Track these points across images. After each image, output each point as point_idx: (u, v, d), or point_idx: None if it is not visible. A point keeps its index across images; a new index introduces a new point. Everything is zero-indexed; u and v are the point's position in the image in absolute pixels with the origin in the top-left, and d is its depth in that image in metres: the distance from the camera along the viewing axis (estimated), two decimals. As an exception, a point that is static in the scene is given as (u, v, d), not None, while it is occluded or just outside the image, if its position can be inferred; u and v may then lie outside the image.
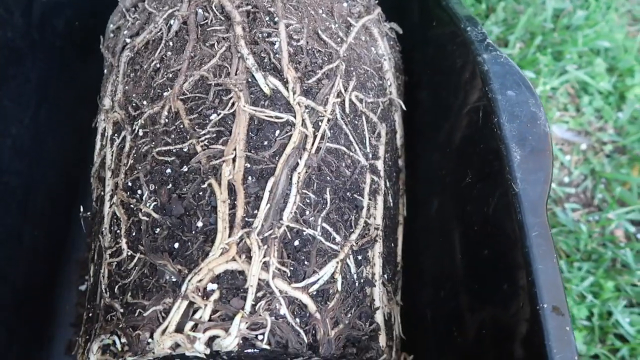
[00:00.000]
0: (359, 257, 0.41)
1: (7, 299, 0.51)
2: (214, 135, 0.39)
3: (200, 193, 0.38)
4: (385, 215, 0.45)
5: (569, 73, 0.83)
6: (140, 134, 0.42)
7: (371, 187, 0.44)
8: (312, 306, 0.36)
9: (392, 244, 0.47)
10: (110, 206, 0.42)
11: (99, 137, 0.47)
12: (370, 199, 0.43)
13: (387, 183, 0.47)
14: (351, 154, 0.43)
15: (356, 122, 0.44)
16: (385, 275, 0.44)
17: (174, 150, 0.40)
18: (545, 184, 0.35)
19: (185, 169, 0.39)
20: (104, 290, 0.39)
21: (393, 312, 0.45)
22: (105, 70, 0.51)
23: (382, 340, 0.41)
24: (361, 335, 0.39)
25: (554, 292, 0.31)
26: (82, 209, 0.46)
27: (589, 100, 0.82)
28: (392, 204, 0.47)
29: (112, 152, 0.44)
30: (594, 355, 0.63)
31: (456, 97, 0.50)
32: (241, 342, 0.34)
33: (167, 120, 0.41)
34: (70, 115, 0.62)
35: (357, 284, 0.40)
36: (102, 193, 0.44)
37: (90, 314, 0.41)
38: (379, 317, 0.41)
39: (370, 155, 0.45)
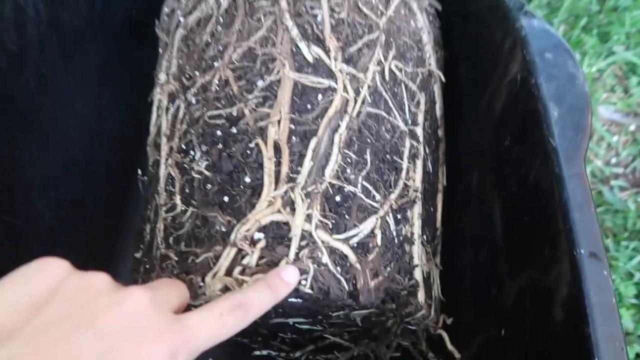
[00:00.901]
0: (398, 216, 0.43)
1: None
2: (261, 99, 0.42)
3: (248, 152, 0.41)
4: (424, 180, 0.47)
5: (616, 54, 0.81)
6: (193, 101, 0.45)
7: (410, 151, 0.45)
8: (352, 257, 0.38)
9: (432, 209, 0.49)
10: (166, 167, 0.45)
11: (154, 109, 0.51)
12: (409, 163, 0.45)
13: (427, 149, 0.48)
14: (391, 119, 0.44)
15: (396, 90, 0.46)
16: (424, 236, 0.46)
17: (223, 114, 0.43)
18: (583, 140, 0.35)
19: (234, 130, 0.42)
20: (159, 243, 0.43)
21: (432, 273, 0.46)
22: (160, 50, 0.55)
23: (421, 296, 0.43)
24: (400, 289, 0.41)
25: (590, 239, 0.32)
26: (139, 172, 0.50)
27: (638, 82, 0.80)
28: (431, 170, 0.48)
29: (168, 119, 0.47)
30: (642, 334, 0.62)
31: (496, 68, 0.51)
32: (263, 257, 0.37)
33: (217, 87, 0.44)
34: (127, 96, 0.66)
35: (396, 241, 0.42)
36: (158, 157, 0.47)
37: (147, 266, 0.45)
38: (417, 274, 0.43)
39: (410, 122, 0.46)
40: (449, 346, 0.48)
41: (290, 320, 0.49)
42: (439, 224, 0.50)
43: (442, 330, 0.48)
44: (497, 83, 0.50)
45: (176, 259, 0.40)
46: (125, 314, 0.25)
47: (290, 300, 0.39)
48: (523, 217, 0.43)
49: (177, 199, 0.43)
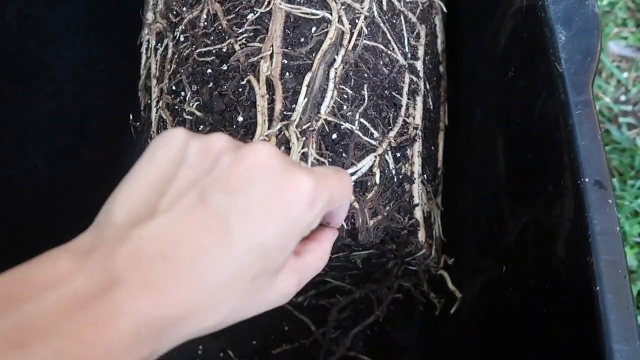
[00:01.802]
0: (398, 154, 0.41)
1: (70, 209, 0.55)
2: (252, 33, 0.40)
3: (240, 89, 0.39)
4: (425, 117, 0.45)
5: (629, -15, 0.77)
6: (182, 39, 0.43)
7: (410, 87, 0.43)
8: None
9: (432, 147, 0.47)
10: (157, 111, 0.44)
11: (143, 50, 0.49)
12: (409, 99, 0.43)
13: (427, 85, 0.46)
14: (389, 52, 0.42)
15: (394, 21, 0.43)
16: (425, 175, 0.44)
17: (213, 51, 0.41)
18: (592, 63, 0.33)
19: (224, 67, 0.40)
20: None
21: (433, 213, 0.45)
22: (147, -12, 0.52)
23: (422, 235, 0.42)
24: (400, 228, 0.40)
25: (596, 167, 0.30)
26: (131, 117, 0.48)
27: (652, 13, 0.76)
28: (432, 107, 0.47)
29: (157, 60, 0.45)
30: (646, 272, 0.62)
31: (502, 1, 0.48)
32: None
33: (206, 23, 0.42)
34: (118, 43, 0.64)
35: (395, 179, 0.40)
36: (149, 101, 0.46)
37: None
38: (418, 213, 0.42)
39: (409, 55, 0.44)
40: (451, 286, 0.47)
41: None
42: (440, 163, 0.49)
43: (444, 270, 0.48)
44: (502, 15, 0.47)
45: (171, 202, 0.39)
46: (251, 168, 0.24)
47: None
48: (527, 152, 0.42)
49: (169, 142, 0.41)
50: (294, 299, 0.58)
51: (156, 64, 0.45)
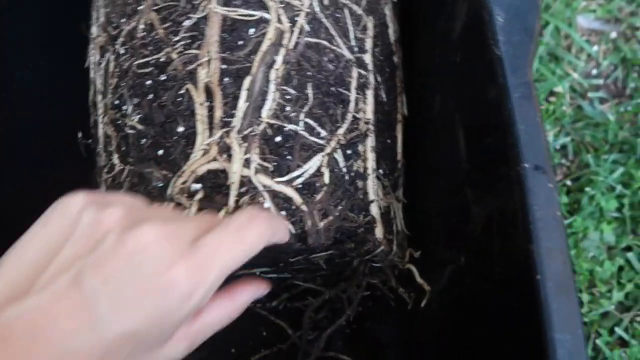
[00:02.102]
0: (348, 151, 0.40)
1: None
2: (189, 40, 0.39)
3: (179, 99, 0.38)
4: (378, 110, 0.44)
5: (595, -44, 0.76)
6: (122, 51, 0.42)
7: (359, 81, 0.42)
8: (297, 199, 0.36)
9: (389, 140, 0.46)
10: (103, 127, 0.43)
11: (91, 66, 0.48)
12: (358, 93, 0.42)
13: (378, 78, 0.45)
14: (333, 47, 0.41)
15: (338, 15, 0.42)
16: (381, 170, 0.43)
17: (152, 61, 0.40)
18: (529, 44, 0.32)
19: (163, 77, 0.39)
20: (104, 205, 0.41)
21: (393, 207, 0.45)
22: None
23: (379, 232, 0.41)
24: (355, 227, 0.39)
25: (535, 151, 0.29)
26: (80, 135, 0.47)
27: (619, -17, 0.74)
28: (385, 99, 0.46)
29: (101, 75, 0.45)
30: (625, 247, 0.61)
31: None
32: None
33: (143, 33, 0.41)
34: (78, 59, 0.63)
35: (347, 177, 0.40)
36: (96, 117, 0.45)
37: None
38: (374, 210, 0.41)
39: (356, 49, 0.43)
40: (419, 279, 0.47)
41: (257, 271, 0.48)
42: (399, 155, 0.48)
43: (411, 264, 0.47)
44: (464, 5, 0.46)
45: (119, 219, 0.39)
46: (130, 254, 0.24)
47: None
48: (482, 139, 0.41)
49: (115, 158, 0.41)
50: (268, 304, 0.57)
51: (101, 79, 0.45)
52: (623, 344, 0.57)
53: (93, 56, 0.47)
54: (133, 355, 0.24)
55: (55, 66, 0.60)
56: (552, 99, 0.68)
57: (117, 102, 0.41)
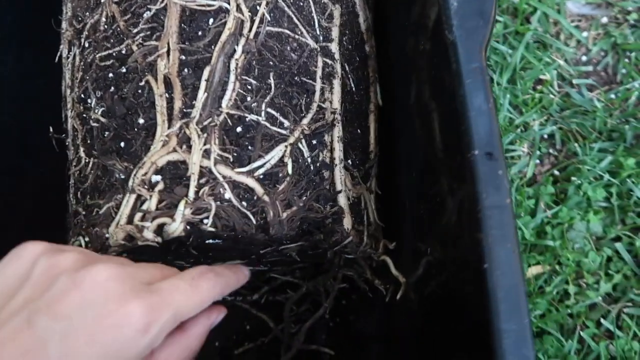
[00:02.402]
0: (313, 141, 0.40)
1: (19, 226, 0.55)
2: (148, 32, 0.39)
3: (140, 91, 0.38)
4: (346, 100, 0.43)
5: (585, -60, 0.74)
6: (86, 45, 0.42)
7: (324, 71, 0.42)
8: (259, 189, 0.36)
9: (359, 130, 0.45)
10: (71, 121, 0.43)
11: (63, 62, 0.48)
12: (324, 83, 0.41)
13: (346, 67, 0.44)
14: (297, 36, 0.41)
15: (301, 4, 0.42)
16: (350, 161, 0.43)
17: (113, 54, 0.40)
18: (484, 28, 0.31)
19: (124, 69, 0.39)
20: (71, 199, 0.41)
21: (364, 198, 0.44)
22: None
23: (347, 223, 0.40)
24: (321, 217, 0.39)
25: (487, 138, 0.29)
26: (51, 129, 0.47)
27: (609, -33, 0.73)
28: (354, 88, 0.45)
29: (69, 69, 0.45)
30: (614, 237, 0.59)
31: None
32: (188, 227, 0.35)
33: (105, 26, 0.41)
34: (53, 54, 0.63)
35: (312, 168, 0.39)
36: (66, 111, 0.45)
37: (69, 226, 0.43)
38: (341, 200, 0.40)
39: (321, 38, 0.42)
40: (394, 271, 0.46)
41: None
42: (372, 146, 0.47)
43: (386, 255, 0.46)
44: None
45: (84, 213, 0.39)
46: (84, 292, 0.25)
47: (208, 242, 0.37)
48: (452, 126, 0.40)
49: (81, 152, 0.41)
50: (249, 297, 0.57)
51: (69, 74, 0.45)
52: (610, 336, 0.56)
53: (63, 51, 0.47)
54: None
55: (35, 64, 0.60)
56: (539, 87, 0.67)
57: (82, 95, 0.41)
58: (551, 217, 0.59)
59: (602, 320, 0.56)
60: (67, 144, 0.43)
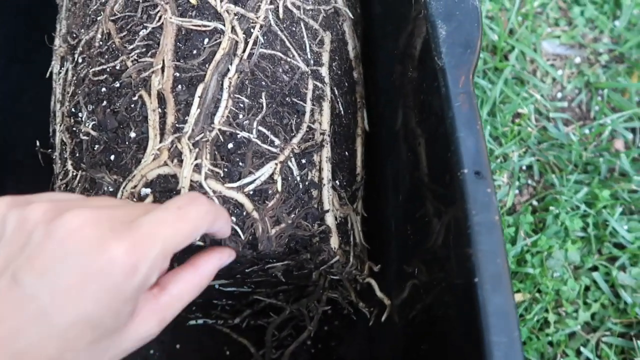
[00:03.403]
0: (303, 161, 0.40)
1: None
2: (144, 49, 0.39)
3: (132, 105, 0.38)
4: (334, 122, 0.44)
5: (558, -14, 0.78)
6: (80, 60, 0.43)
7: (314, 93, 0.43)
8: (248, 205, 0.36)
9: (347, 153, 0.46)
10: (59, 134, 0.43)
11: (53, 77, 0.48)
12: (314, 105, 0.42)
13: (336, 91, 0.45)
14: (289, 59, 0.42)
15: (293, 29, 0.43)
16: (337, 181, 0.44)
17: (107, 69, 0.40)
18: (472, 55, 0.33)
19: (117, 84, 0.39)
20: (55, 212, 0.41)
21: (350, 218, 0.44)
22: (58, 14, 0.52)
23: (334, 242, 0.41)
24: (308, 235, 0.39)
25: (475, 157, 0.30)
26: (37, 143, 0.47)
27: (581, 11, 0.77)
28: (342, 112, 0.46)
29: (60, 84, 0.45)
30: (592, 267, 0.61)
31: (410, 5, 0.48)
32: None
33: (101, 42, 0.41)
34: (44, 73, 0.63)
35: (301, 186, 0.40)
36: (55, 126, 0.45)
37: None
38: (329, 220, 0.41)
39: (312, 62, 0.44)
40: (379, 294, 0.46)
41: (215, 283, 0.48)
42: (359, 169, 0.48)
43: (371, 278, 0.47)
44: (415, 18, 0.48)
45: (68, 225, 0.38)
46: (61, 243, 0.23)
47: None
48: (436, 149, 0.41)
49: (69, 165, 0.40)
50: (230, 321, 0.56)
51: (60, 88, 0.45)
52: (590, 364, 0.57)
53: (55, 67, 0.47)
54: (97, 341, 0.23)
55: (22, 80, 0.60)
56: (518, 120, 0.69)
57: (73, 109, 0.42)
58: (531, 245, 0.60)
59: (581, 348, 0.57)
60: (54, 157, 0.43)
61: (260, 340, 0.56)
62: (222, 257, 0.32)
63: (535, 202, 0.65)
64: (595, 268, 0.61)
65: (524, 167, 0.67)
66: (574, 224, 0.61)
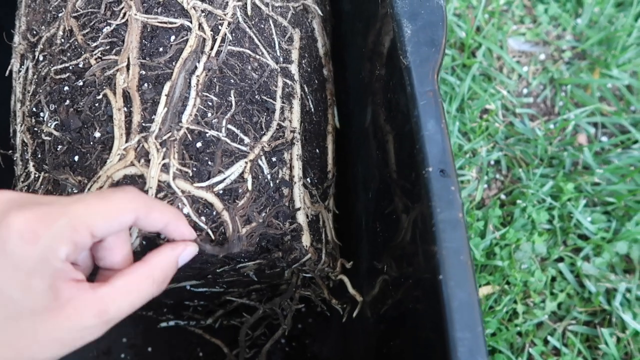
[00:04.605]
0: (273, 159, 0.40)
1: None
2: (108, 47, 0.39)
3: (97, 104, 0.37)
4: (305, 120, 0.44)
5: (523, -16, 0.80)
6: (40, 58, 0.41)
7: (284, 90, 0.43)
8: (218, 204, 0.36)
9: (317, 150, 0.46)
10: (20, 135, 0.41)
11: (13, 76, 0.47)
12: (283, 102, 0.42)
13: (306, 88, 0.45)
14: (257, 57, 0.41)
15: (262, 26, 0.43)
16: (308, 179, 0.44)
17: (70, 67, 0.39)
18: (436, 54, 0.33)
19: (80, 83, 0.38)
20: (17, 215, 0.39)
21: (322, 216, 0.45)
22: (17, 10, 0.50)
23: (306, 240, 0.41)
24: (280, 234, 0.39)
25: (440, 155, 0.30)
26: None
27: (545, 9, 0.79)
28: (312, 109, 0.46)
29: (20, 83, 0.43)
30: (557, 258, 0.63)
31: (377, 2, 0.48)
32: (144, 242, 0.34)
33: (62, 40, 0.40)
34: (2, 72, 0.61)
35: (271, 184, 0.39)
36: (15, 126, 0.43)
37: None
38: (300, 218, 0.41)
39: (282, 59, 0.43)
40: (351, 290, 0.46)
41: (186, 284, 0.47)
42: (330, 166, 0.48)
43: (343, 275, 0.47)
44: (384, 15, 0.48)
45: (31, 229, 0.37)
46: None
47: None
48: (405, 147, 0.42)
49: (30, 166, 0.39)
50: (203, 321, 0.56)
51: (20, 87, 0.43)
52: (557, 353, 0.58)
53: (15, 65, 0.46)
54: (14, 319, 0.23)
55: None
56: (485, 116, 0.70)
57: (34, 109, 0.40)
58: (499, 238, 0.61)
59: (549, 337, 0.58)
60: (14, 159, 0.42)
61: (234, 340, 0.56)
62: (175, 249, 0.31)
63: (503, 196, 0.66)
64: (560, 259, 0.63)
65: (492, 162, 0.68)
66: (540, 217, 0.63)
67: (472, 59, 0.73)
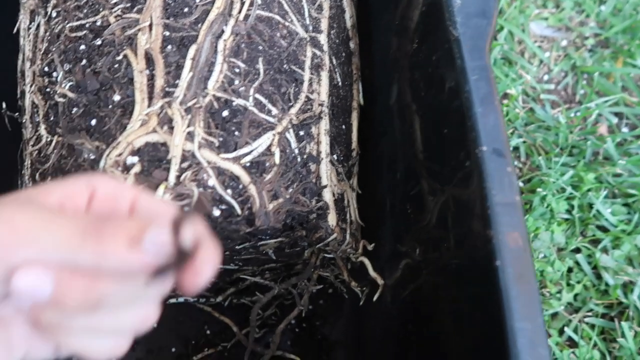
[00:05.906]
0: (301, 132, 0.38)
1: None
2: (128, 4, 0.36)
3: (116, 66, 0.35)
4: (332, 93, 0.42)
5: (547, -34, 0.77)
6: (54, 15, 0.38)
7: (313, 61, 0.40)
8: (245, 177, 0.34)
9: (344, 126, 0.44)
10: (30, 96, 0.39)
11: (21, 33, 0.44)
12: (312, 73, 0.40)
13: (334, 60, 0.43)
14: (287, 23, 0.39)
15: (292, -9, 0.40)
16: (335, 156, 0.41)
17: (86, 25, 0.36)
18: (488, 26, 0.31)
19: (98, 42, 0.35)
20: (27, 182, 0.37)
21: (347, 195, 0.43)
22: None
23: (332, 219, 0.39)
24: (306, 211, 0.37)
25: (494, 134, 0.28)
26: (4, 105, 0.43)
27: (569, -7, 0.76)
28: (340, 83, 0.44)
29: (30, 41, 0.40)
30: (575, 249, 0.61)
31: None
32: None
33: (79, -5, 0.37)
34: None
35: (299, 159, 0.37)
36: (24, 86, 0.41)
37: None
38: (327, 195, 0.39)
39: (311, 28, 0.41)
40: (372, 273, 0.45)
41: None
42: (355, 144, 0.46)
43: (364, 257, 0.45)
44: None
45: (43, 196, 0.35)
46: None
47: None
48: (439, 126, 0.40)
49: (42, 129, 0.37)
50: (213, 299, 0.54)
51: (30, 45, 0.40)
52: (572, 344, 0.57)
53: (23, 22, 0.43)
54: None
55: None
56: (505, 101, 0.68)
57: (46, 68, 0.38)
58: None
59: (565, 328, 0.57)
60: (23, 121, 0.39)
61: (243, 319, 0.54)
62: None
63: (521, 184, 0.65)
64: (578, 250, 0.61)
65: (510, 149, 0.66)
66: (559, 206, 0.61)
67: (494, 41, 0.71)
